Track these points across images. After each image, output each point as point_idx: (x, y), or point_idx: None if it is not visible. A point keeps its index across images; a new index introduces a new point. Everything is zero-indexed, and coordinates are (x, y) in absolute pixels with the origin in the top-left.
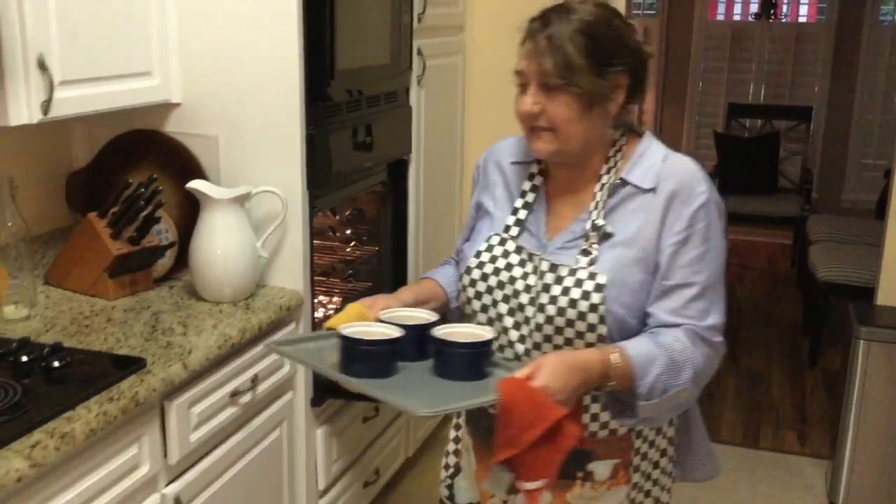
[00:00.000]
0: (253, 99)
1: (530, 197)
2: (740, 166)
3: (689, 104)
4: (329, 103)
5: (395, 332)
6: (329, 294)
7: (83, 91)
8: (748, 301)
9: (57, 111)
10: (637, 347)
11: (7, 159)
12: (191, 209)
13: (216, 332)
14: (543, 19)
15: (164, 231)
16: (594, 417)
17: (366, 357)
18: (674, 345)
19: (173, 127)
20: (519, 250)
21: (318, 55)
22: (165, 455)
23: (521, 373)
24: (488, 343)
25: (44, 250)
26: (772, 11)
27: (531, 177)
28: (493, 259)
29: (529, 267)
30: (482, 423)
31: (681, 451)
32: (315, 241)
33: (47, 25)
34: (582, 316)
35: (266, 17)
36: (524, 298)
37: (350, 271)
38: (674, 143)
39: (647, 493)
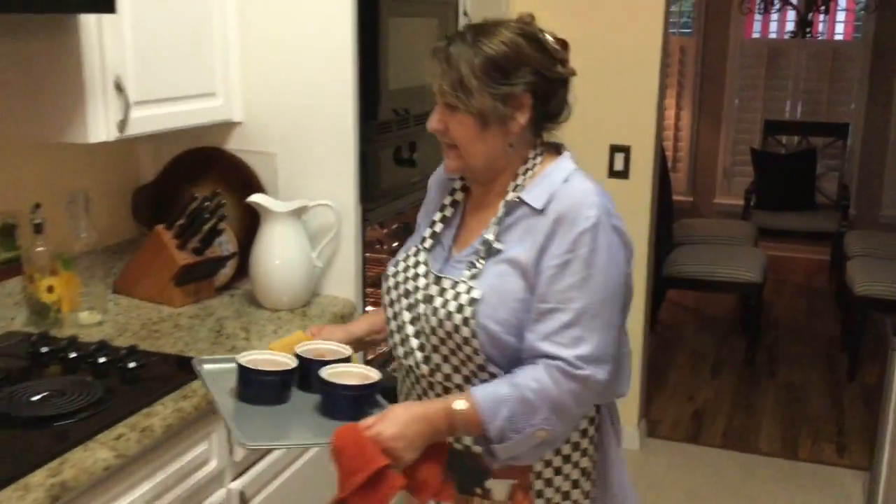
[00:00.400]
0: (309, 118)
1: (448, 211)
2: (777, 183)
3: (726, 121)
4: (380, 122)
5: (291, 365)
6: (377, 304)
7: (155, 111)
8: (786, 316)
9: (132, 130)
10: (487, 390)
11: (80, 174)
12: (249, 222)
13: (276, 336)
14: (450, 38)
15: (226, 242)
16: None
17: (252, 384)
18: (530, 384)
19: (234, 144)
20: (425, 262)
21: (371, 77)
22: (231, 452)
23: (364, 421)
24: (370, 387)
25: (112, 261)
26: (807, 30)
27: (452, 192)
28: (406, 269)
29: (431, 278)
30: (463, 472)
31: (599, 488)
32: (365, 254)
33: (124, 50)
34: (456, 329)
35: (322, 42)
36: (422, 308)
37: None
38: (709, 160)
39: None
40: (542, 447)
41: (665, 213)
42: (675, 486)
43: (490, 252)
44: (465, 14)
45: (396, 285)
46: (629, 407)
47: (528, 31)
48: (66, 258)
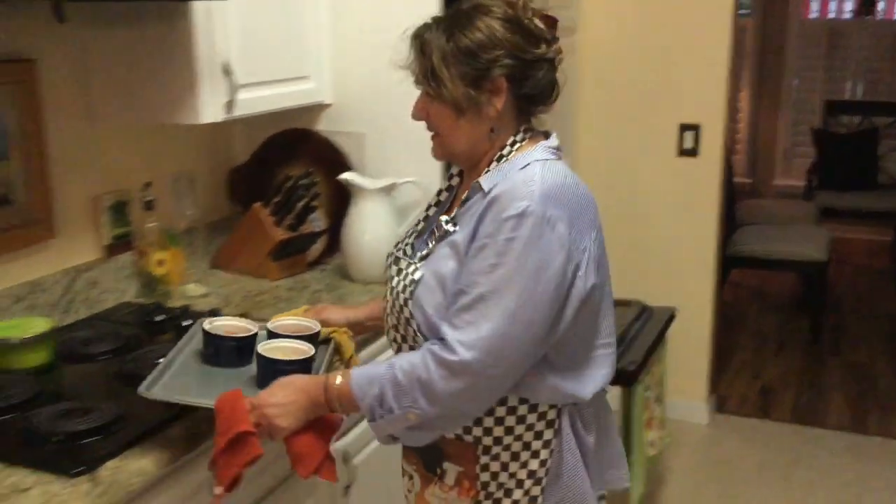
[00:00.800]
0: (397, 99)
1: (443, 196)
2: (839, 163)
3: (785, 102)
4: None
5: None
6: None
7: (257, 93)
8: (848, 296)
9: (237, 111)
10: (364, 369)
11: (182, 156)
12: (339, 200)
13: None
14: (426, 24)
15: (317, 219)
16: None
17: (209, 345)
18: (403, 366)
19: (324, 126)
20: (410, 246)
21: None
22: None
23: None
24: (293, 363)
25: (209, 238)
26: (869, 9)
27: (450, 177)
28: (395, 252)
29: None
30: (423, 451)
31: (546, 494)
32: None
33: (230, 35)
34: (401, 309)
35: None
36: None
37: None
38: (768, 141)
39: None
40: (419, 431)
41: (727, 194)
42: (745, 460)
43: (442, 234)
44: None
45: (388, 268)
46: (697, 383)
47: (506, 13)
48: (173, 234)
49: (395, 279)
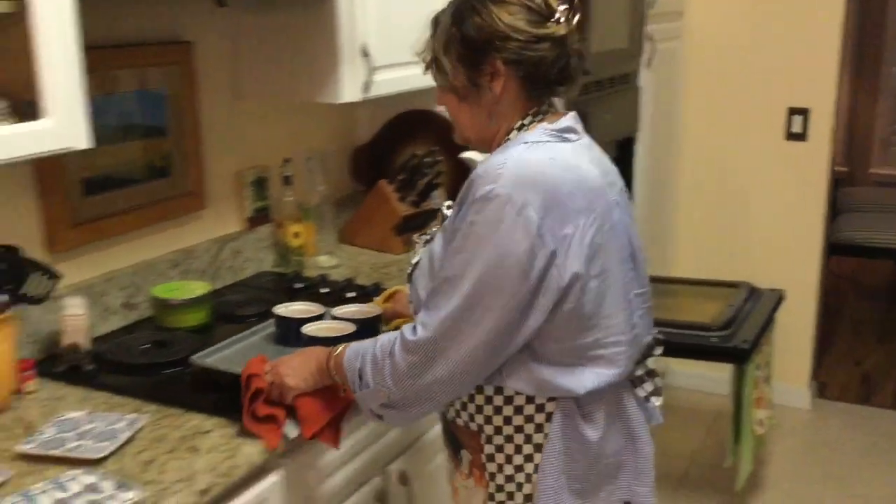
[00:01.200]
0: None
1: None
2: None
3: (884, 90)
4: (584, 83)
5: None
6: None
7: (391, 75)
8: None
9: (374, 91)
10: (358, 343)
11: (313, 135)
12: (458, 178)
13: None
14: (442, 9)
15: (438, 196)
16: (451, 402)
17: (277, 325)
18: (382, 343)
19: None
20: (422, 234)
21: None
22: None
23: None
24: (333, 339)
25: (335, 213)
26: None
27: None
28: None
29: None
30: (448, 436)
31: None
32: None
33: (368, 19)
34: (408, 292)
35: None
36: None
37: None
38: (866, 129)
39: None
40: (393, 411)
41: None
42: (849, 444)
43: (443, 219)
44: None
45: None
46: (800, 368)
47: None
48: (306, 208)
49: (410, 265)
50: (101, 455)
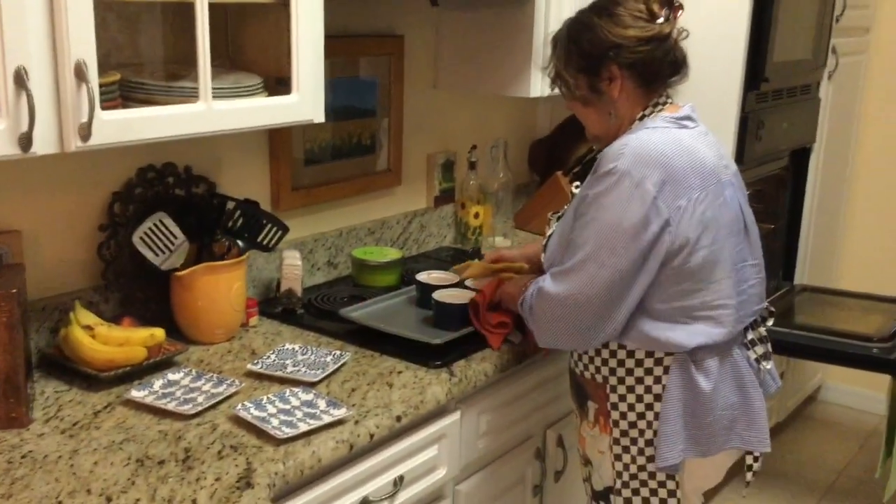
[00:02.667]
0: (694, 83)
1: None
2: None
3: None
4: (762, 91)
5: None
6: None
7: None
8: None
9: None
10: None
11: (497, 126)
12: None
13: None
14: (560, 29)
15: None
16: (580, 357)
17: (418, 290)
18: (534, 285)
19: None
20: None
21: (761, 48)
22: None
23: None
24: (454, 306)
25: (512, 199)
26: None
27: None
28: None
29: None
30: (576, 389)
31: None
32: None
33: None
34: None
35: (718, 12)
36: None
37: None
38: None
39: (633, 461)
40: (540, 336)
41: None
42: None
43: (573, 196)
44: None
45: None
46: None
47: (617, 9)
48: (487, 192)
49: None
50: (316, 379)
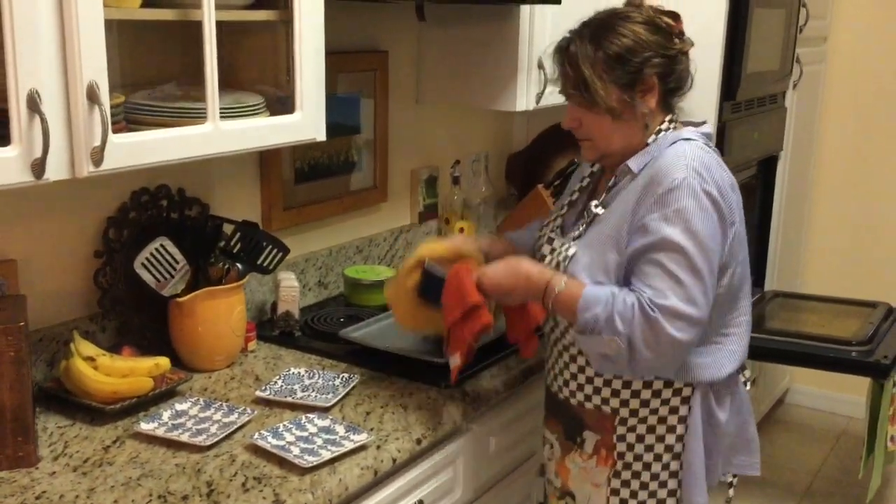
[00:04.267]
0: None
1: (586, 182)
2: None
3: None
4: (737, 101)
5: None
6: None
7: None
8: None
9: (544, 102)
10: (595, 288)
11: (480, 140)
12: None
13: None
14: (568, 38)
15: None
16: (580, 387)
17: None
18: (626, 300)
19: None
20: (552, 229)
21: (735, 61)
22: None
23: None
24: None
25: (493, 213)
26: None
27: (591, 174)
28: (541, 237)
29: (547, 242)
30: (566, 420)
31: (683, 469)
32: None
33: (545, 34)
34: None
35: (694, 27)
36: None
37: None
38: None
39: (634, 495)
40: (608, 360)
41: None
42: None
43: (591, 218)
44: (804, 6)
45: (540, 247)
46: None
47: (642, 16)
48: (470, 206)
49: (548, 257)
50: (329, 404)
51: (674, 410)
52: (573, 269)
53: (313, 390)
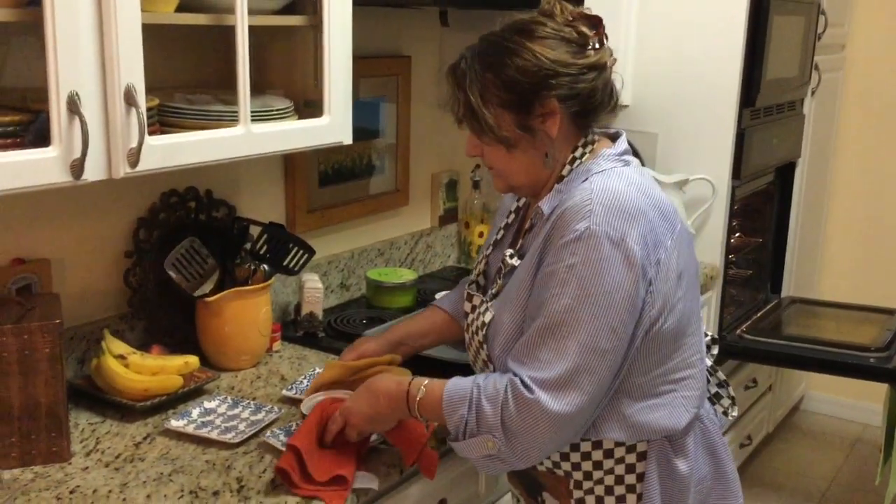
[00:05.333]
0: (692, 102)
1: (511, 218)
2: None
3: None
4: (756, 108)
5: None
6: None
7: None
8: None
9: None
10: (455, 384)
11: None
12: None
13: None
14: (460, 57)
15: None
16: None
17: None
18: (490, 390)
19: (620, 125)
20: (473, 280)
21: (755, 67)
22: None
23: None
24: None
25: None
26: None
27: (517, 210)
28: (469, 285)
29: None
30: (524, 478)
31: None
32: (732, 223)
33: None
34: (478, 348)
35: (714, 33)
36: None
37: (731, 257)
38: None
39: None
40: (493, 461)
41: None
42: None
43: (509, 269)
44: (823, 13)
45: (465, 301)
46: None
47: (550, 27)
48: (490, 210)
49: (470, 316)
50: None
51: (630, 469)
52: (490, 337)
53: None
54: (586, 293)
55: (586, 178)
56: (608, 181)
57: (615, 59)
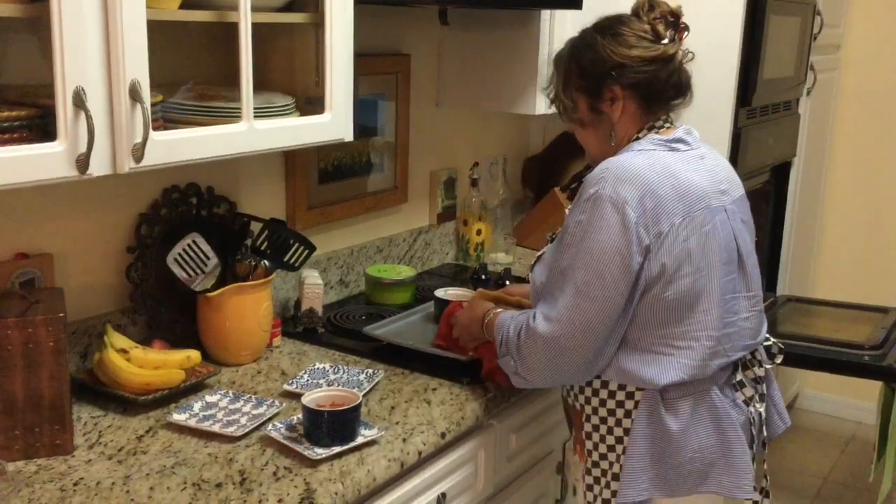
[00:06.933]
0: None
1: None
2: None
3: None
4: (752, 107)
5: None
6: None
7: None
8: None
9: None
10: (508, 314)
11: (498, 144)
12: None
13: None
14: (563, 48)
15: None
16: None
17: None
18: (518, 321)
19: None
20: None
21: (752, 67)
22: None
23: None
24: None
25: (509, 215)
26: None
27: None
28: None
29: None
30: (566, 410)
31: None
32: None
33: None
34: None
35: (711, 33)
36: None
37: None
38: None
39: (595, 499)
40: (517, 378)
41: None
42: None
43: (551, 238)
44: (819, 14)
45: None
46: None
47: (632, 27)
48: (488, 208)
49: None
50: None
51: (628, 414)
52: (535, 275)
53: (338, 384)
54: (586, 246)
55: (629, 151)
56: (632, 157)
57: (690, 54)
